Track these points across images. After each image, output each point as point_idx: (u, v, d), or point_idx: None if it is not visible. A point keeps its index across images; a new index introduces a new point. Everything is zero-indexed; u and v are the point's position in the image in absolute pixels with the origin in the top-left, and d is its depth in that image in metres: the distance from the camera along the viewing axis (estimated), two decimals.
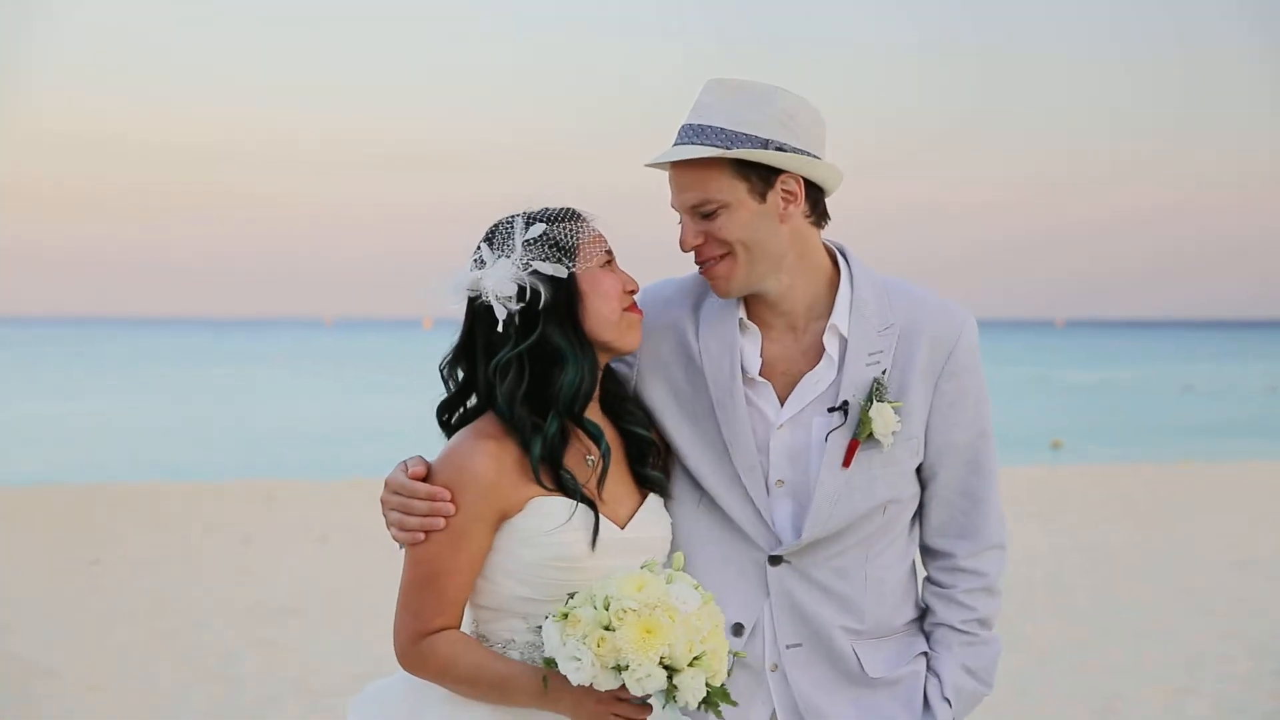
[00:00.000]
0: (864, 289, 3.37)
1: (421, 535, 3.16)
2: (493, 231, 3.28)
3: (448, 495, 3.18)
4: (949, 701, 3.38)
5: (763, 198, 3.24)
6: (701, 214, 3.23)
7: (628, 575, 2.94)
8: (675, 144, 3.27)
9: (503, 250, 3.23)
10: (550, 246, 3.20)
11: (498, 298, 3.18)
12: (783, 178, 3.25)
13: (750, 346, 3.37)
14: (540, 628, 3.06)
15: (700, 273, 3.32)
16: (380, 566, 14.11)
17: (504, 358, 3.19)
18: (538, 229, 3.21)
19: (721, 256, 3.24)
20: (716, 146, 3.20)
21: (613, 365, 3.41)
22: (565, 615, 2.94)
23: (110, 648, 10.68)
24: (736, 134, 3.24)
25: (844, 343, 3.32)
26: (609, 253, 3.25)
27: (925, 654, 3.45)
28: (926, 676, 3.43)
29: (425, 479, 3.21)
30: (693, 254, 3.28)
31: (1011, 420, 40.29)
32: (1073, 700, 8.99)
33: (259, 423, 45.29)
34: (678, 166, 3.26)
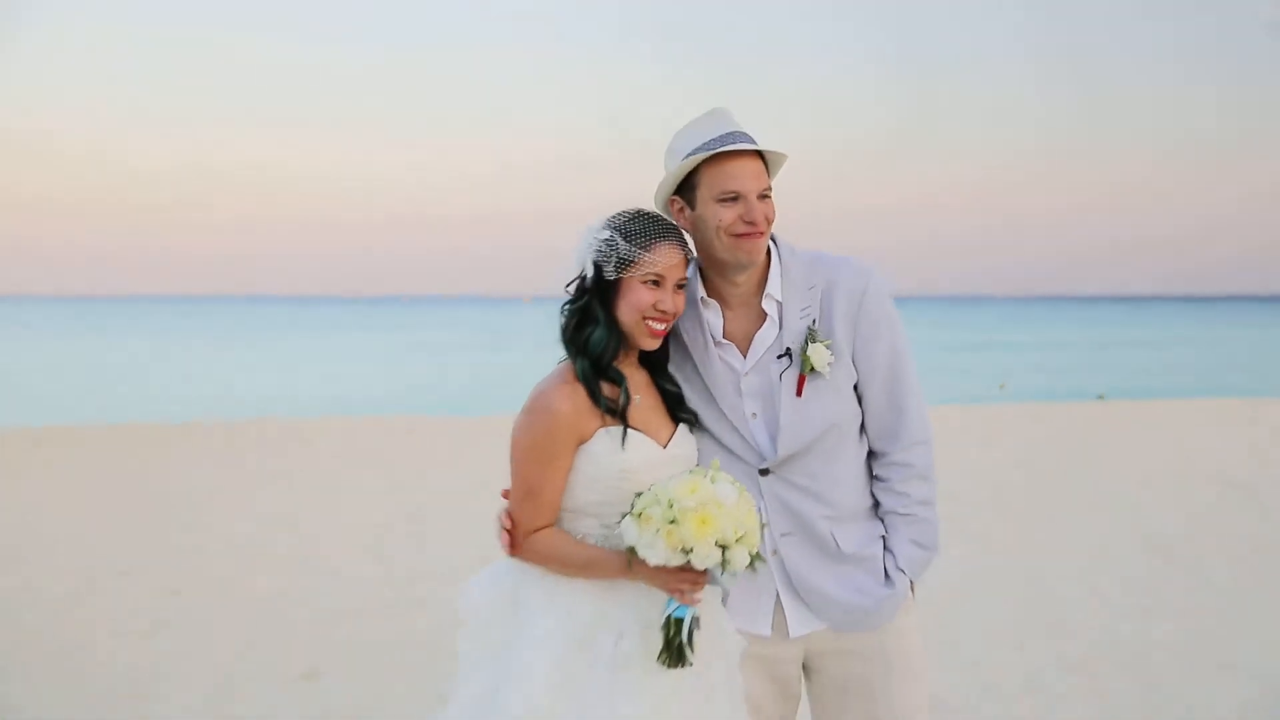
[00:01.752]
0: (790, 262, 3.50)
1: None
2: (604, 218, 3.40)
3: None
4: (903, 571, 3.49)
5: None
6: (761, 196, 3.37)
7: (682, 480, 3.12)
8: (739, 143, 3.35)
9: (588, 234, 3.34)
10: (610, 250, 3.32)
11: (577, 265, 3.35)
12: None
13: (714, 319, 3.50)
14: (617, 524, 3.18)
15: (742, 242, 3.35)
16: (497, 482, 14.09)
17: (566, 305, 3.38)
18: (605, 234, 3.33)
19: (764, 232, 3.37)
20: (771, 147, 3.42)
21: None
22: (639, 515, 3.09)
23: (314, 526, 10.73)
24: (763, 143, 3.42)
25: (779, 305, 3.46)
26: (659, 275, 3.31)
27: (881, 536, 3.53)
28: (884, 554, 3.51)
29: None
30: (745, 230, 3.33)
31: (967, 368, 39.89)
32: (1010, 577, 9.01)
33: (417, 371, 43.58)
34: (748, 157, 3.37)
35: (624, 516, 3.13)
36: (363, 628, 7.96)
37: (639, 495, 3.14)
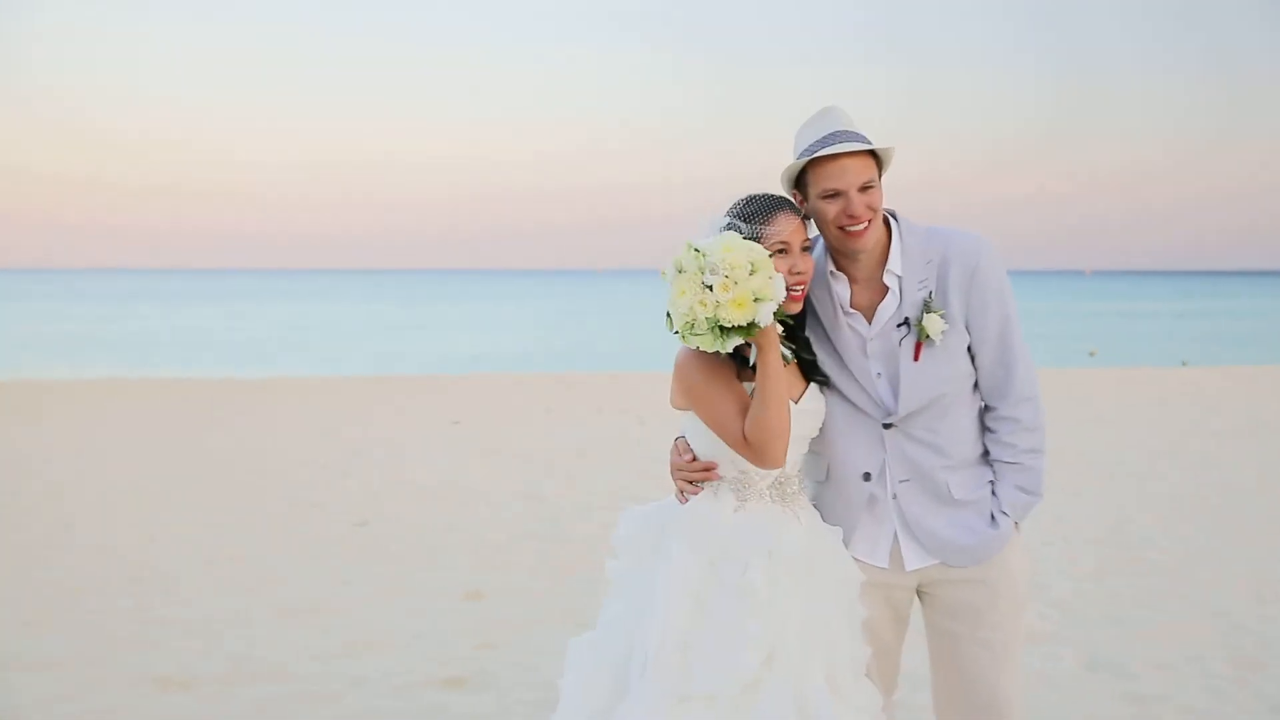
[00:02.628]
0: (909, 238, 3.41)
1: (697, 490, 3.31)
2: (723, 210, 3.30)
3: (715, 466, 3.30)
4: (1006, 513, 3.40)
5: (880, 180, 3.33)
6: (862, 189, 3.25)
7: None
8: (838, 144, 3.23)
9: (711, 227, 3.23)
10: (744, 230, 3.19)
11: None
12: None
13: (843, 290, 3.42)
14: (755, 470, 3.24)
15: (847, 235, 3.26)
16: (636, 427, 14.14)
17: None
18: (725, 222, 3.23)
19: (867, 222, 3.25)
20: (870, 144, 3.29)
21: None
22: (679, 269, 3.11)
23: (476, 475, 10.85)
24: (867, 139, 3.29)
25: (899, 279, 3.37)
26: (784, 243, 3.19)
27: (990, 482, 3.45)
28: (992, 498, 3.43)
29: (692, 456, 3.35)
30: (846, 222, 3.24)
31: (1055, 335, 39.04)
32: (1096, 522, 8.78)
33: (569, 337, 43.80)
34: (850, 156, 3.25)
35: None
36: (519, 557, 8.03)
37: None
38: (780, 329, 3.27)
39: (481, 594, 7.10)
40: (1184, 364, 26.67)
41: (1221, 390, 18.82)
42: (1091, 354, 31.61)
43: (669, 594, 3.16)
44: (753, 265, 3.04)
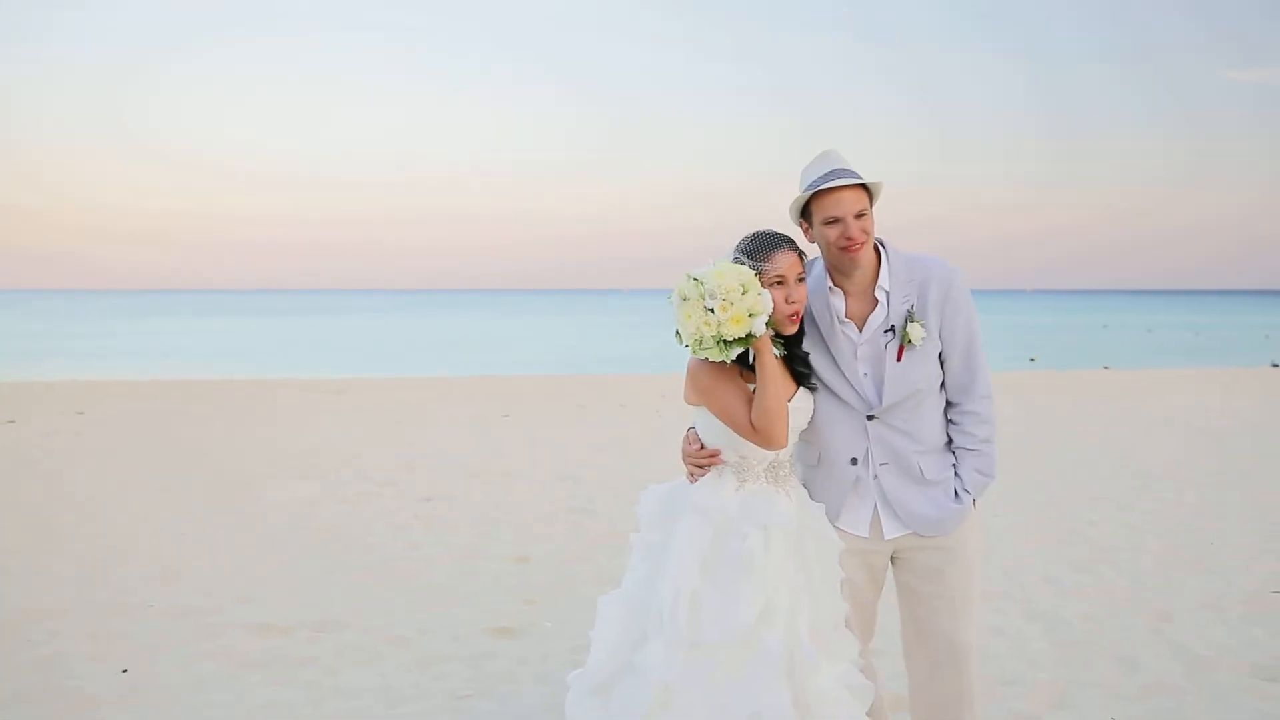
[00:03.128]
0: (896, 262, 3.43)
1: (704, 472, 3.33)
2: (733, 246, 3.32)
3: (719, 453, 3.31)
4: (968, 491, 3.43)
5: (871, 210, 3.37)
6: (857, 215, 3.29)
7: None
8: (837, 180, 3.27)
9: (726, 254, 3.29)
10: (748, 265, 3.21)
11: None
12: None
13: (839, 303, 3.43)
14: (755, 458, 3.28)
15: (845, 254, 3.31)
16: (654, 420, 14.11)
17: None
18: (734, 257, 3.26)
19: (862, 243, 3.29)
20: (862, 179, 3.32)
21: None
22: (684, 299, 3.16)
23: (521, 460, 10.88)
24: (859, 175, 3.33)
25: (887, 294, 3.40)
26: (781, 275, 3.20)
27: (953, 465, 3.46)
28: (955, 479, 3.45)
29: (700, 445, 3.37)
30: (844, 243, 3.29)
31: (1000, 343, 38.85)
32: (1033, 498, 8.75)
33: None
34: (847, 189, 3.29)
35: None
36: (557, 528, 8.03)
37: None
38: (772, 333, 3.30)
39: (526, 559, 7.11)
40: (1106, 368, 26.58)
41: (1140, 389, 18.74)
42: (1032, 360, 31.50)
43: (681, 559, 3.19)
44: (744, 286, 3.10)
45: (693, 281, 3.12)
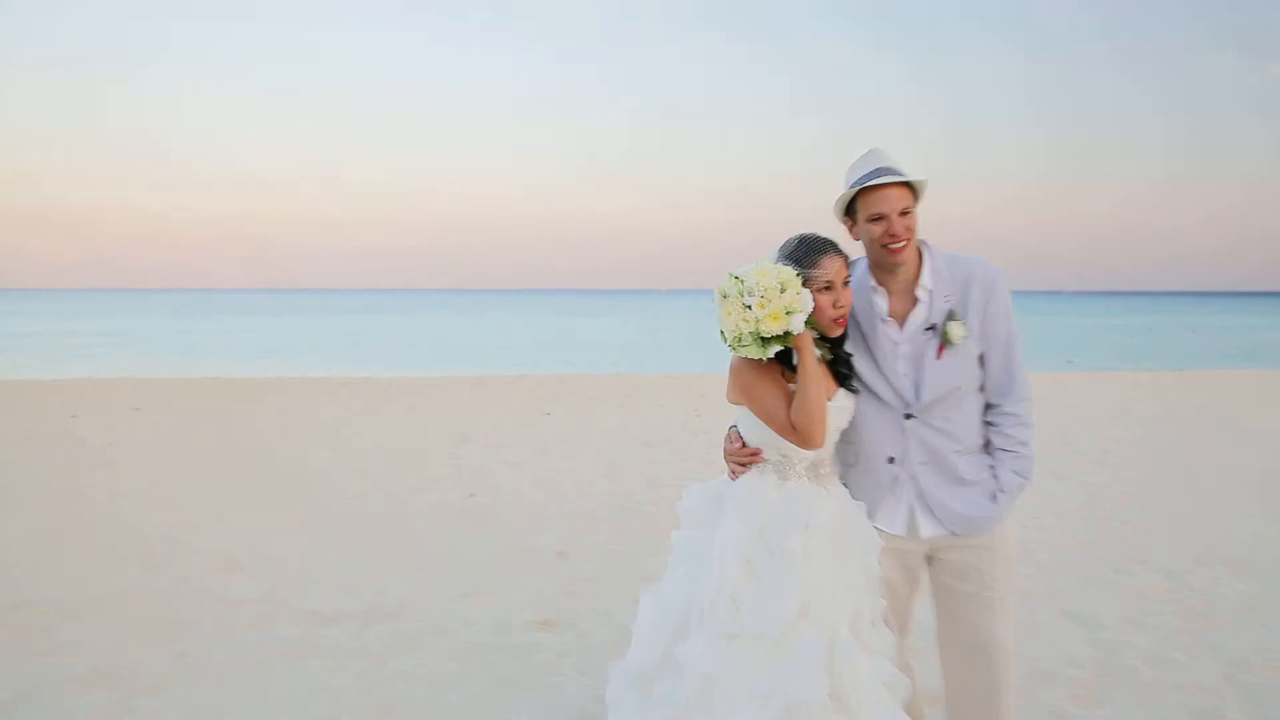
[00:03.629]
0: (938, 262, 3.40)
1: (745, 470, 3.34)
2: (776, 250, 3.32)
3: (760, 451, 3.32)
4: (1005, 492, 3.40)
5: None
6: (901, 213, 3.28)
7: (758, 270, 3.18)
8: (882, 177, 3.26)
9: (771, 256, 3.29)
10: (798, 273, 3.21)
11: None
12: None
13: (881, 301, 3.41)
14: (797, 455, 3.29)
15: (888, 251, 3.30)
16: (694, 419, 14.09)
17: None
18: (780, 257, 3.26)
19: (906, 240, 3.29)
20: (907, 178, 3.31)
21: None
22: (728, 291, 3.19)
23: (563, 457, 10.92)
24: (904, 173, 3.31)
25: (930, 293, 3.36)
26: (830, 281, 3.20)
27: (991, 466, 3.44)
28: (992, 480, 3.44)
29: (742, 443, 3.38)
30: (888, 240, 3.29)
31: (1040, 343, 38.31)
32: (1068, 502, 8.67)
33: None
34: (891, 186, 3.28)
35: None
36: (598, 523, 8.05)
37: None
38: (814, 333, 3.31)
39: (568, 553, 7.14)
40: (1146, 368, 26.18)
41: (1180, 392, 18.46)
42: (1070, 361, 31.07)
43: (724, 554, 3.18)
44: (782, 284, 3.11)
45: (733, 279, 3.14)
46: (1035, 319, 68.35)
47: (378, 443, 12.16)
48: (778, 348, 3.16)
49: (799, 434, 3.21)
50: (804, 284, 3.18)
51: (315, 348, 39.06)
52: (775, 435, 3.27)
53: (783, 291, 3.09)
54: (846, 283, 3.28)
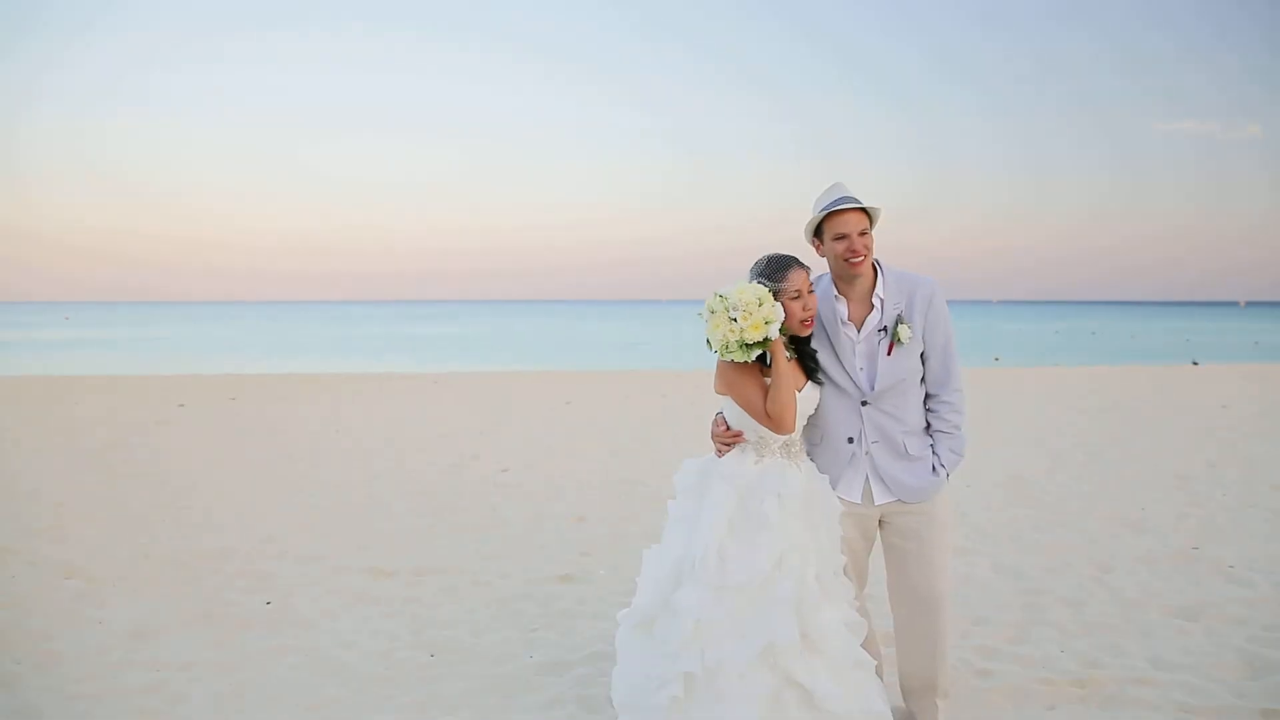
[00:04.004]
0: (889, 276, 3.40)
1: (729, 449, 3.32)
2: (750, 269, 3.30)
3: (741, 433, 3.29)
4: (944, 466, 3.39)
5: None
6: (860, 233, 3.28)
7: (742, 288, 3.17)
8: (845, 204, 3.25)
9: (745, 275, 3.28)
10: (769, 286, 3.21)
11: None
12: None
13: (842, 308, 3.39)
14: (772, 438, 3.30)
15: (849, 264, 3.28)
16: (688, 407, 14.05)
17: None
18: (751, 277, 3.24)
19: (864, 256, 3.28)
20: (864, 205, 3.30)
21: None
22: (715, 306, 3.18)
23: (581, 438, 10.90)
24: (861, 201, 3.30)
25: (882, 301, 3.36)
26: (797, 291, 3.20)
27: (931, 445, 3.42)
28: (933, 456, 3.41)
29: (726, 426, 3.35)
30: (849, 255, 3.28)
31: (970, 343, 37.99)
32: (994, 470, 8.62)
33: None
34: (852, 211, 3.28)
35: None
36: (610, 494, 8.01)
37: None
38: (785, 338, 3.29)
39: (584, 519, 7.08)
40: (1056, 365, 26.11)
41: (1085, 382, 18.40)
42: (996, 359, 31.01)
43: (712, 518, 3.18)
44: (759, 300, 3.12)
45: (719, 298, 3.14)
46: (970, 323, 68.18)
47: (427, 426, 12.15)
48: (758, 352, 3.16)
49: (773, 420, 3.20)
50: (776, 296, 3.17)
51: (379, 348, 39.06)
52: (754, 421, 3.25)
53: (760, 305, 3.09)
54: (811, 290, 3.27)
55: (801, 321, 3.23)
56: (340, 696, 4.00)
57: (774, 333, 3.11)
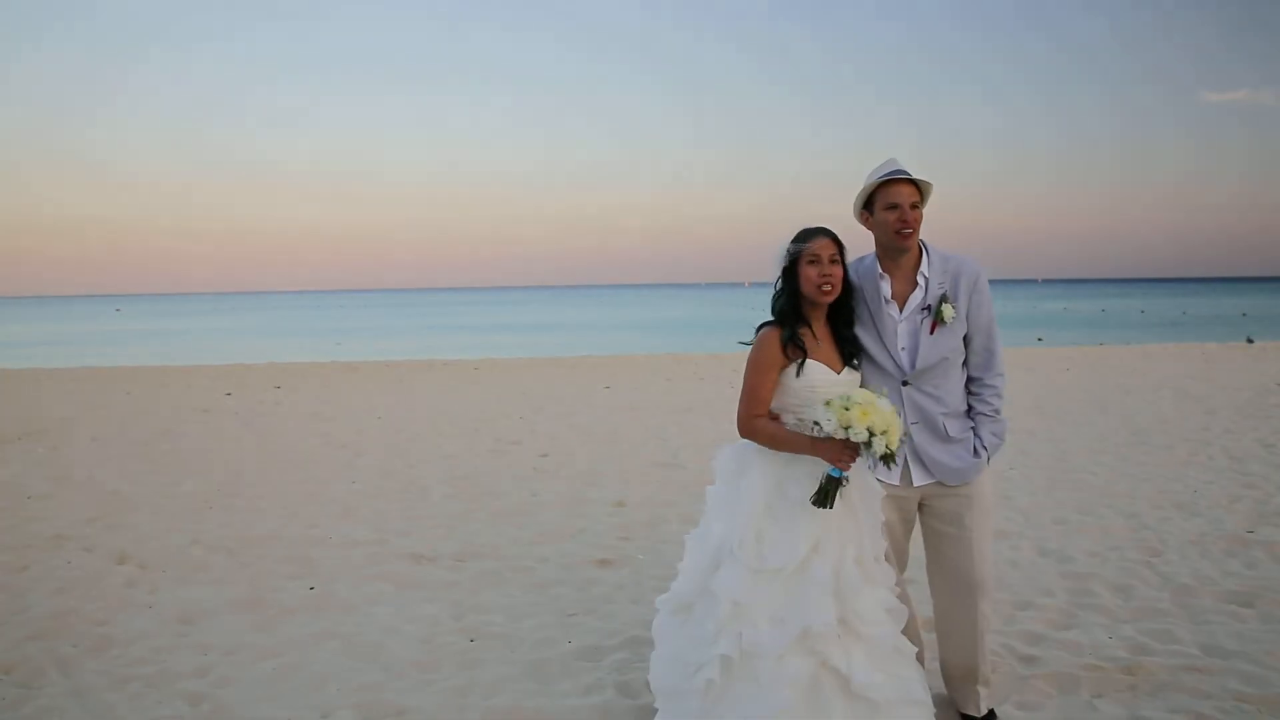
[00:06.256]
0: (935, 255, 3.35)
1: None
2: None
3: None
4: (985, 449, 3.33)
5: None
6: (912, 206, 3.24)
7: (861, 391, 3.06)
8: (899, 175, 3.24)
9: (779, 249, 3.22)
10: (786, 251, 3.20)
11: (777, 266, 3.23)
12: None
13: (886, 285, 3.33)
14: (802, 419, 3.13)
15: (899, 235, 3.25)
16: (728, 390, 14.01)
17: (774, 285, 3.23)
18: (784, 244, 3.22)
19: (914, 228, 3.26)
20: (916, 178, 3.28)
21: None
22: (828, 403, 3.00)
23: (620, 423, 10.89)
24: (912, 174, 3.28)
25: (926, 280, 3.31)
26: (815, 255, 3.15)
27: (973, 428, 3.36)
28: (974, 438, 3.35)
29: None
30: (900, 226, 3.24)
31: (1014, 321, 37.49)
32: (1043, 455, 8.47)
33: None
34: (904, 182, 3.25)
35: (825, 403, 3.04)
36: (649, 478, 8.01)
37: (828, 403, 3.04)
38: (826, 323, 3.24)
39: (624, 504, 7.08)
40: (1100, 344, 25.60)
41: (1133, 361, 18.01)
42: (1039, 339, 30.48)
43: (750, 501, 3.13)
44: (886, 425, 2.99)
45: (843, 410, 3.02)
46: (1011, 303, 67.09)
47: (468, 413, 12.24)
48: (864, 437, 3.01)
49: (739, 419, 3.20)
50: (796, 256, 3.16)
51: (419, 335, 39.34)
52: (793, 403, 3.18)
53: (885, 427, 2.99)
54: (834, 260, 3.19)
55: (818, 287, 3.17)
56: (381, 681, 4.05)
57: (878, 447, 2.97)
